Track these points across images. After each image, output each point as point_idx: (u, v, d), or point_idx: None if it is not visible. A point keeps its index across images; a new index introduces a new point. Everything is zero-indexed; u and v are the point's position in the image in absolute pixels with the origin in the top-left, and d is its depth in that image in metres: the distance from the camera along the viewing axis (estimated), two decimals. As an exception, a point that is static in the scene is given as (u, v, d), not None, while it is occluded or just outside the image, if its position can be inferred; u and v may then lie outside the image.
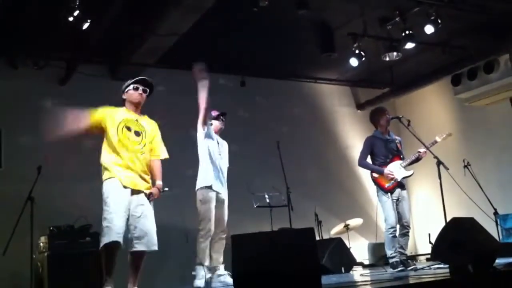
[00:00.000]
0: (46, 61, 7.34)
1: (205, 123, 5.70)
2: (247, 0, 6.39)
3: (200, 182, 5.68)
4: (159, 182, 4.52)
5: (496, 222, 7.01)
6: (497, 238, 6.77)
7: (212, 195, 5.60)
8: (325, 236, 8.22)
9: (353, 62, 8.08)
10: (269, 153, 6.91)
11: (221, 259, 5.63)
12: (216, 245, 5.64)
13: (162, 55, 7.55)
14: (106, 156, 4.37)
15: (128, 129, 4.41)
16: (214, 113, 5.96)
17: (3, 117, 7.13)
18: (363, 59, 7.90)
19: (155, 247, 4.34)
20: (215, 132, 5.95)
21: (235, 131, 8.45)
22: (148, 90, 4.57)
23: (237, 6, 6.61)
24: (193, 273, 5.46)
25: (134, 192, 4.33)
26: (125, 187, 4.28)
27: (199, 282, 5.39)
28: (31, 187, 5.90)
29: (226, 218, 5.76)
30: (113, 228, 4.15)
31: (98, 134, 4.45)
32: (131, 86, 4.54)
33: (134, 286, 4.31)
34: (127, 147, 4.36)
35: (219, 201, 5.69)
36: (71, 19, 5.94)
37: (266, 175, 7.80)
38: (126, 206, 4.26)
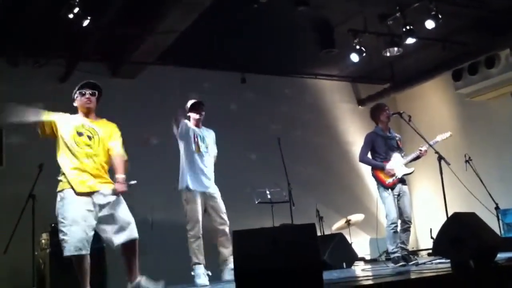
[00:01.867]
0: (47, 59, 7.33)
1: (176, 125, 5.55)
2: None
3: (179, 184, 5.60)
4: (119, 176, 4.37)
5: (498, 216, 7.03)
6: (499, 233, 6.77)
7: (193, 195, 5.48)
8: (327, 232, 8.22)
9: (354, 58, 8.08)
10: (270, 149, 6.91)
11: (228, 252, 5.43)
12: (221, 240, 5.51)
13: (162, 52, 7.54)
14: (61, 160, 4.31)
15: (80, 134, 4.35)
16: (188, 104, 5.67)
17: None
18: (364, 54, 7.91)
19: (136, 235, 4.29)
20: (195, 125, 5.68)
21: (236, 128, 8.48)
22: (97, 93, 4.48)
23: (237, 3, 6.59)
24: (192, 273, 5.40)
25: (92, 194, 4.27)
26: (80, 194, 4.22)
27: (201, 281, 5.31)
28: (32, 185, 5.93)
29: (223, 210, 5.57)
30: (70, 241, 4.14)
31: (49, 134, 4.37)
32: (78, 93, 4.45)
33: (133, 281, 4.26)
34: (80, 152, 4.30)
35: (209, 198, 5.55)
36: (71, 16, 5.93)
37: (267, 171, 7.80)
38: (83, 216, 4.20)
